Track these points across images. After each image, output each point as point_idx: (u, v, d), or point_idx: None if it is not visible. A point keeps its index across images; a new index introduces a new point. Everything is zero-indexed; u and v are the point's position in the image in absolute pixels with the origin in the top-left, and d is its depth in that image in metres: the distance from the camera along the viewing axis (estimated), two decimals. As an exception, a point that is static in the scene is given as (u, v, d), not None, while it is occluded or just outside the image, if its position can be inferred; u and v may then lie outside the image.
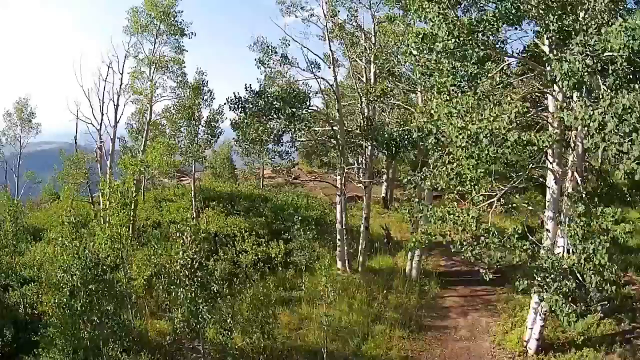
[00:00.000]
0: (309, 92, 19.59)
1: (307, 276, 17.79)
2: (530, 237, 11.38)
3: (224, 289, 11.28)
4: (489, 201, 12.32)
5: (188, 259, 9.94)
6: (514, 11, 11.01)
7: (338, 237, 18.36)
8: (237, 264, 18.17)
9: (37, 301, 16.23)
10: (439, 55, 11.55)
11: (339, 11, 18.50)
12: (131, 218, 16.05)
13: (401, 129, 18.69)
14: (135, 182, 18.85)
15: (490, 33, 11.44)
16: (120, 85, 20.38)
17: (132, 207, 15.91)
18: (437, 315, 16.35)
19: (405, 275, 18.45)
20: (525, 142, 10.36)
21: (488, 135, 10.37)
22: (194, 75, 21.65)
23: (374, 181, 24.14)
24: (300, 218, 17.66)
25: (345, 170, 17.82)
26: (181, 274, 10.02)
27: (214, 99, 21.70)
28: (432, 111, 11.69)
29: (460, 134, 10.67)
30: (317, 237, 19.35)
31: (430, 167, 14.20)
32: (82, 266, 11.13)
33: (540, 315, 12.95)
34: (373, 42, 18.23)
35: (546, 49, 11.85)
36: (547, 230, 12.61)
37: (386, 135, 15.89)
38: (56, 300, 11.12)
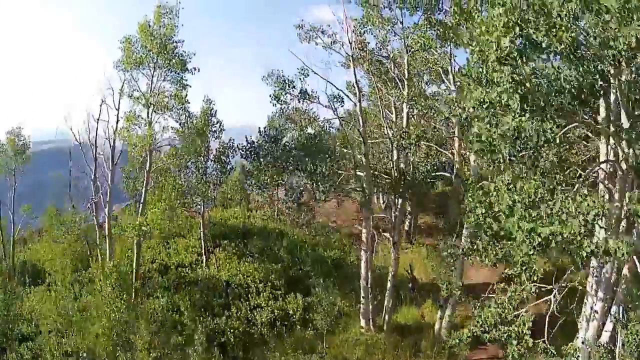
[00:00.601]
0: (330, 128, 17.55)
1: (328, 337, 16.29)
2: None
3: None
4: (544, 298, 10.91)
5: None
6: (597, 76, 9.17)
7: (362, 294, 16.70)
8: (251, 321, 16.72)
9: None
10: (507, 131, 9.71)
11: (368, 42, 16.23)
12: (132, 301, 14.33)
13: (431, 173, 16.86)
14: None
15: (573, 113, 9.58)
16: (117, 122, 17.58)
17: (133, 293, 14.29)
18: (467, 386, 15.10)
19: (434, 335, 16.89)
20: (604, 251, 8.81)
21: (561, 241, 8.83)
22: (201, 104, 19.48)
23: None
24: (321, 281, 16.00)
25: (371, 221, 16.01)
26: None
27: (224, 129, 19.59)
28: (492, 198, 9.90)
29: (527, 238, 9.05)
30: (337, 284, 17.84)
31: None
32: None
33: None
34: (406, 76, 16.01)
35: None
36: (595, 311, 11.02)
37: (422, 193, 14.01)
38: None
